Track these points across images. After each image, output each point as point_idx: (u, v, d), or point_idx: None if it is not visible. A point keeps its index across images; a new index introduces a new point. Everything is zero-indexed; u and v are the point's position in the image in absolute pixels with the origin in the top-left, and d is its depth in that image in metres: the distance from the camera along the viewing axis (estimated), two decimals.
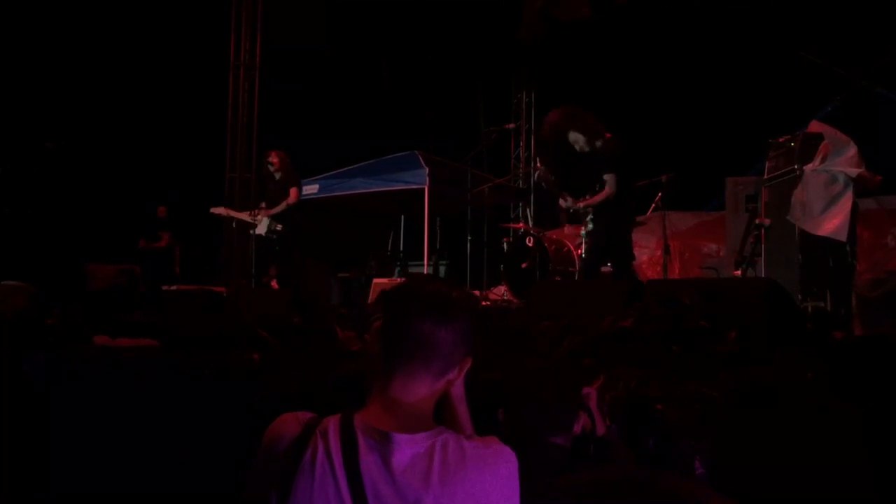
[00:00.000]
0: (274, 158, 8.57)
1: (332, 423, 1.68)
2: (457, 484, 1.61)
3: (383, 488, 1.61)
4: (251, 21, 11.96)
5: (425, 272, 10.08)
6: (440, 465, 1.62)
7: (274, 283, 8.68)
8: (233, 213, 8.95)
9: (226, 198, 11.60)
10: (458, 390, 1.80)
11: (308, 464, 1.64)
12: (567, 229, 7.57)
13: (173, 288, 8.53)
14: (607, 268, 8.63)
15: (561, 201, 6.57)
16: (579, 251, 8.99)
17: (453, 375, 1.73)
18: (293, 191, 8.47)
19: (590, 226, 6.65)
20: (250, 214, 8.60)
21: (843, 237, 6.43)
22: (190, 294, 6.84)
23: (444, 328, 1.67)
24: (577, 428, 2.29)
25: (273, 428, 1.73)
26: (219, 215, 9.11)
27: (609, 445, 2.37)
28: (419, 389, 1.69)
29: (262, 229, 8.46)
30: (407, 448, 1.63)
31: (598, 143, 6.41)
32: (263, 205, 8.62)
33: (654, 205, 8.34)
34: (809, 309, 6.25)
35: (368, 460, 1.63)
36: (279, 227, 8.43)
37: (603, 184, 6.46)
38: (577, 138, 6.49)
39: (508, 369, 2.93)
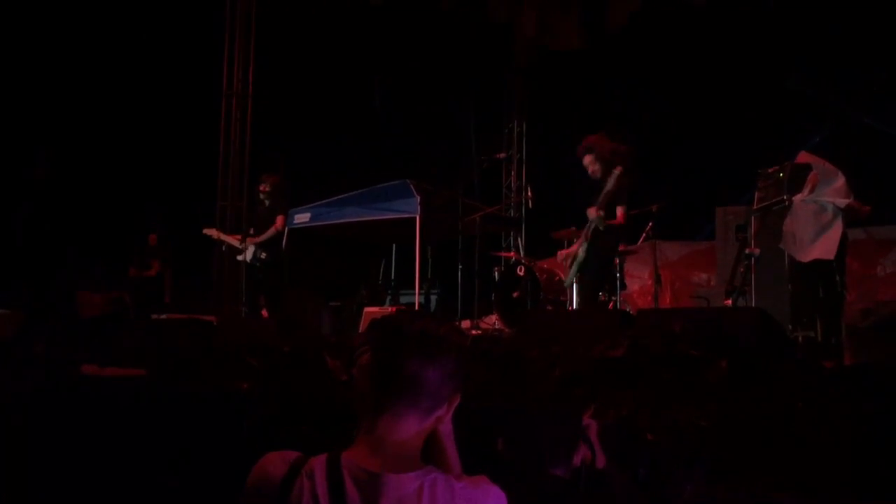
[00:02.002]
0: (265, 185, 8.58)
1: (319, 464, 1.66)
2: None
3: None
4: (244, 50, 12.03)
5: (416, 301, 10.07)
6: None
7: (265, 312, 8.65)
8: (223, 237, 8.93)
9: (217, 226, 11.59)
10: (446, 428, 1.78)
11: None
12: (560, 256, 7.60)
13: (163, 316, 8.49)
14: (599, 297, 8.68)
15: (593, 211, 6.70)
16: None
17: (442, 413, 1.71)
18: (279, 218, 8.47)
19: (581, 254, 6.81)
20: (241, 239, 8.60)
21: (830, 255, 6.45)
22: (179, 323, 6.80)
23: (431, 366, 1.66)
24: (577, 460, 2.28)
25: (258, 468, 1.70)
26: (210, 237, 9.11)
27: (606, 477, 2.35)
28: (407, 428, 1.67)
29: (248, 256, 8.48)
30: (395, 489, 1.61)
31: (613, 173, 6.64)
32: (252, 231, 8.60)
33: (644, 234, 8.37)
34: (800, 338, 6.26)
35: (356, 502, 1.60)
36: (263, 256, 8.41)
37: (613, 212, 6.73)
38: (593, 165, 6.73)
39: (503, 398, 2.92)
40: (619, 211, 6.76)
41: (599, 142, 6.91)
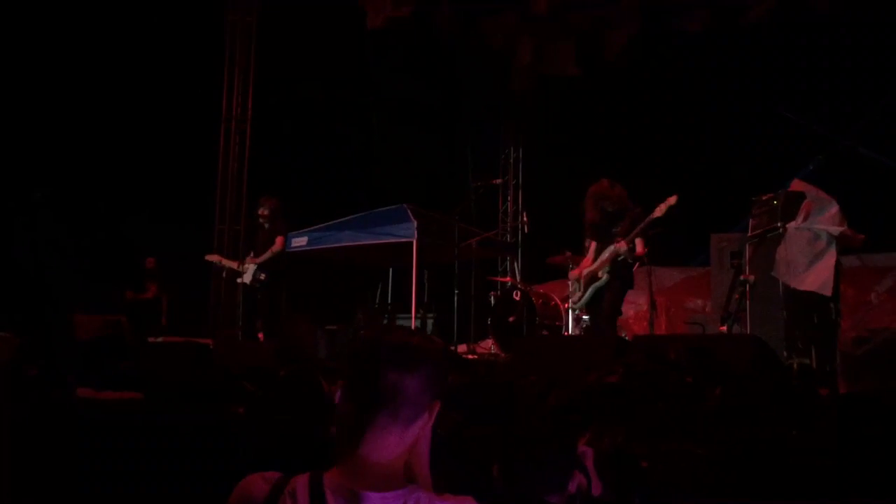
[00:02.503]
0: (264, 209, 8.62)
1: (301, 483, 1.65)
2: None
3: None
4: (243, 75, 12.11)
5: (413, 325, 10.07)
6: None
7: (261, 336, 8.66)
8: (224, 262, 8.98)
9: (215, 250, 11.61)
10: (424, 436, 1.78)
11: None
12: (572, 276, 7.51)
13: (159, 340, 8.49)
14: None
15: (623, 244, 6.64)
16: (566, 305, 9.03)
17: (423, 422, 1.72)
18: (279, 239, 8.50)
19: (604, 278, 6.73)
20: (239, 264, 8.64)
21: (828, 292, 6.48)
22: (176, 346, 6.80)
23: (409, 375, 1.67)
24: (573, 487, 2.28)
25: (240, 489, 1.70)
26: (213, 263, 9.20)
27: None
28: (390, 443, 1.67)
29: (247, 278, 8.50)
30: None
31: (629, 208, 6.65)
32: (252, 254, 8.64)
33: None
34: (795, 366, 6.27)
35: None
36: (262, 277, 8.43)
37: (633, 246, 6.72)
38: (608, 204, 6.79)
39: (499, 424, 2.92)
40: (641, 243, 6.71)
41: (603, 189, 6.91)
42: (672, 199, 6.56)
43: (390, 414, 1.66)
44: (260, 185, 11.70)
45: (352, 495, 1.62)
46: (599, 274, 6.81)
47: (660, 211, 6.56)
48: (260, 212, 8.64)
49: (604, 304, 6.92)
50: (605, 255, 6.80)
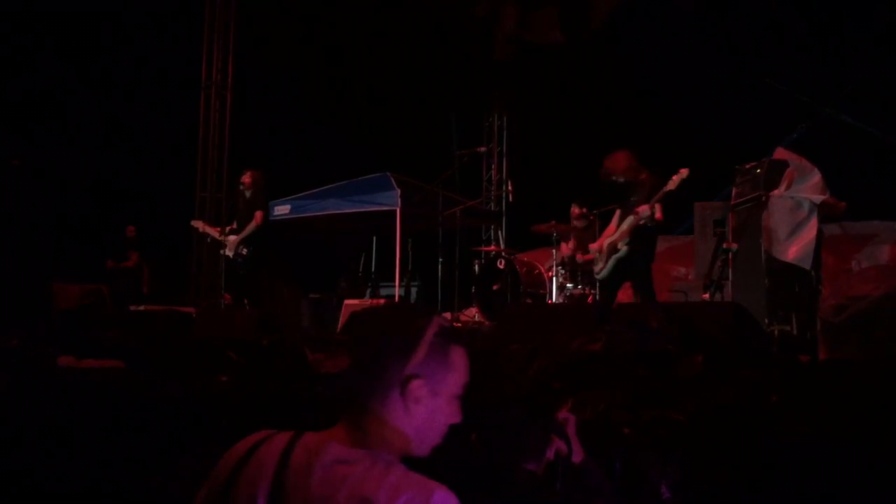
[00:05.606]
0: (246, 178, 8.55)
1: (282, 437, 1.71)
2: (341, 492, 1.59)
3: (295, 492, 1.61)
4: (223, 41, 11.96)
5: (397, 293, 10.08)
6: (352, 478, 1.61)
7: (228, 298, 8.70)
8: (207, 229, 8.93)
9: (198, 216, 11.53)
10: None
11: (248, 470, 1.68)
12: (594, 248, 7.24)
13: (141, 308, 8.46)
14: (578, 290, 8.71)
15: (646, 208, 6.41)
16: (550, 273, 9.06)
17: (428, 399, 1.70)
18: (258, 214, 8.41)
19: (624, 250, 6.53)
20: (220, 232, 8.58)
21: (807, 265, 6.50)
22: (158, 314, 6.78)
23: (409, 359, 1.68)
24: (550, 454, 2.28)
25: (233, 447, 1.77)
26: (197, 229, 9.17)
27: (584, 473, 2.35)
28: (390, 417, 1.69)
29: (229, 251, 8.45)
30: (334, 454, 1.63)
31: (639, 176, 6.45)
32: (235, 224, 8.58)
33: None
34: (776, 333, 6.33)
35: (299, 462, 1.64)
36: (244, 251, 8.38)
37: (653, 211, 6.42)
38: (617, 176, 6.54)
39: (479, 393, 2.92)
40: (659, 208, 6.39)
41: (611, 163, 6.71)
42: (684, 172, 6.29)
43: (390, 399, 1.68)
44: (241, 152, 11.61)
45: (318, 445, 1.65)
46: (619, 245, 6.61)
47: (672, 184, 6.34)
48: (243, 179, 8.56)
49: (635, 282, 6.69)
50: (625, 226, 6.59)
